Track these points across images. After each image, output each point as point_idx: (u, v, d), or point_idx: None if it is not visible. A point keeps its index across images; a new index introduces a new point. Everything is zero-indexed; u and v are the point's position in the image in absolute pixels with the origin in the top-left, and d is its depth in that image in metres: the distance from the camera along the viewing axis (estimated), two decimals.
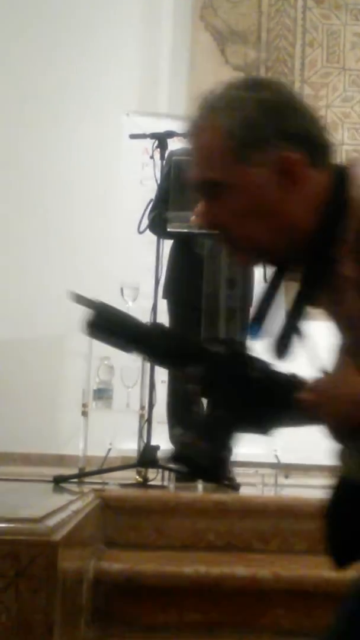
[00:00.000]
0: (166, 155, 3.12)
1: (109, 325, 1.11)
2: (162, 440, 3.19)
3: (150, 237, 3.19)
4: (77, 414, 3.39)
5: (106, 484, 2.78)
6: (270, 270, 1.16)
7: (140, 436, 3.07)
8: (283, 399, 1.08)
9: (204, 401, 3.42)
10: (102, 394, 3.46)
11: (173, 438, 3.42)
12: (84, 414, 3.36)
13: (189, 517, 2.45)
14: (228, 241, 1.13)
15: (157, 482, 2.91)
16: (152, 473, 2.91)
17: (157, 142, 3.08)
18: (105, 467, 3.66)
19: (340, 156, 5.46)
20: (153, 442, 2.86)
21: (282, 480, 3.68)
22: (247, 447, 4.38)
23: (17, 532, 1.37)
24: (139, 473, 2.92)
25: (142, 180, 4.54)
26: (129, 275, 3.78)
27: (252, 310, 1.15)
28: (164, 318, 3.26)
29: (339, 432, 1.09)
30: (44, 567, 1.35)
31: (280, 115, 1.08)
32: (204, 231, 3.18)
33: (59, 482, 2.67)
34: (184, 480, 3.09)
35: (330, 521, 1.30)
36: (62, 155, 5.30)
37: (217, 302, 3.09)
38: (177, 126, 3.36)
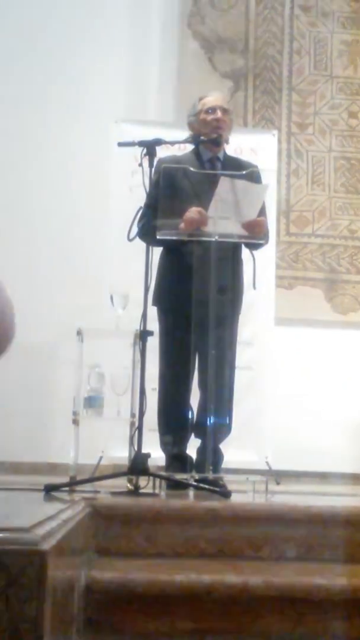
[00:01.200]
0: (155, 162, 3.13)
1: None
2: (153, 448, 3.18)
3: (140, 244, 3.19)
4: (68, 422, 3.38)
5: (97, 492, 2.77)
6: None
7: (131, 444, 3.07)
8: None
9: (195, 408, 3.42)
10: (93, 401, 3.45)
11: (164, 446, 3.42)
12: (75, 422, 3.35)
13: (180, 525, 2.45)
14: None
15: (149, 490, 2.91)
16: (143, 481, 2.90)
17: (145, 150, 3.08)
18: (97, 476, 3.66)
19: (329, 163, 5.49)
20: (144, 450, 2.85)
21: (273, 487, 3.68)
22: (238, 454, 4.39)
23: (7, 542, 1.36)
24: (130, 481, 2.91)
25: (132, 188, 4.53)
26: (118, 283, 3.79)
27: None
28: (154, 325, 3.26)
29: None
30: (33, 577, 1.34)
31: None
32: (193, 238, 3.19)
33: (49, 490, 2.67)
34: (175, 487, 3.08)
35: None
36: (51, 163, 5.30)
37: (206, 309, 3.09)
38: (165, 134, 3.37)
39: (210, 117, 3.44)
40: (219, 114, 3.44)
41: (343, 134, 5.52)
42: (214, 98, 3.52)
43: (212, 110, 3.45)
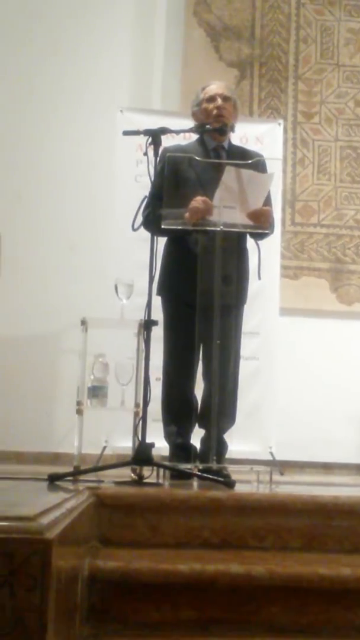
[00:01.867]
0: (160, 151, 3.11)
1: None
2: (157, 438, 3.18)
3: (145, 233, 3.19)
4: (71, 411, 3.38)
5: (101, 481, 2.77)
6: None
7: (135, 434, 3.07)
8: None
9: (199, 398, 3.42)
10: (97, 391, 3.45)
11: (168, 435, 3.42)
12: (79, 411, 3.35)
13: (184, 515, 2.45)
14: None
15: (152, 480, 2.91)
16: (147, 470, 2.90)
17: (150, 139, 3.07)
18: (100, 465, 3.66)
19: (335, 152, 5.46)
20: (148, 440, 2.85)
21: (277, 477, 3.68)
22: (242, 444, 4.39)
23: (12, 530, 1.36)
24: (133, 471, 2.91)
25: (137, 177, 4.53)
26: (123, 272, 3.78)
27: None
28: (158, 315, 3.25)
29: None
30: (38, 565, 1.34)
31: None
32: (198, 228, 3.18)
33: (54, 480, 2.67)
34: (178, 477, 3.08)
35: None
36: (56, 152, 5.29)
37: (211, 299, 3.08)
38: (170, 123, 3.35)
39: (211, 106, 3.42)
40: (219, 102, 3.42)
41: (349, 123, 5.49)
42: (215, 86, 3.50)
43: (213, 98, 3.43)
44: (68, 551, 1.63)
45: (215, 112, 3.41)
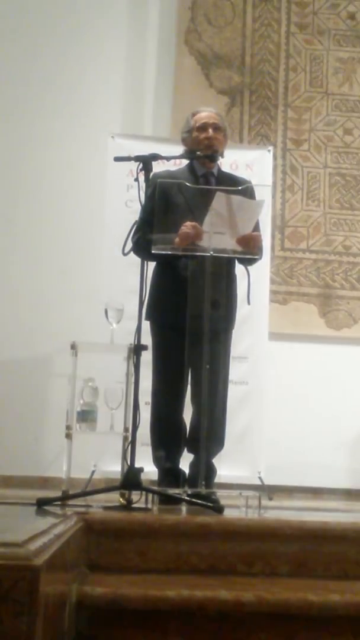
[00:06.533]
0: (150, 177, 3.14)
1: None
2: (146, 462, 3.17)
3: (135, 258, 3.20)
4: (60, 435, 3.38)
5: (90, 506, 2.76)
6: None
7: (124, 458, 3.06)
8: None
9: (187, 423, 3.42)
10: (86, 415, 3.44)
11: (156, 460, 3.41)
12: (68, 436, 3.35)
13: (173, 540, 2.44)
14: None
15: (141, 505, 2.90)
16: (135, 495, 2.89)
17: (141, 165, 3.09)
18: (89, 490, 3.65)
19: (324, 179, 5.51)
20: (137, 464, 2.85)
21: (265, 502, 3.67)
22: (231, 468, 4.38)
23: None
24: (122, 495, 2.90)
25: (127, 202, 4.56)
26: (113, 297, 3.79)
27: None
28: (148, 339, 3.26)
29: None
30: (25, 592, 1.34)
31: None
32: (188, 253, 3.20)
33: (42, 504, 2.66)
34: (167, 502, 3.07)
35: None
36: (48, 176, 5.32)
37: (200, 323, 3.09)
38: (161, 149, 3.38)
39: (202, 136, 3.45)
40: (210, 132, 3.44)
41: (338, 151, 5.56)
42: (206, 115, 3.51)
43: (204, 128, 3.46)
44: (56, 577, 1.62)
45: (206, 142, 3.43)
